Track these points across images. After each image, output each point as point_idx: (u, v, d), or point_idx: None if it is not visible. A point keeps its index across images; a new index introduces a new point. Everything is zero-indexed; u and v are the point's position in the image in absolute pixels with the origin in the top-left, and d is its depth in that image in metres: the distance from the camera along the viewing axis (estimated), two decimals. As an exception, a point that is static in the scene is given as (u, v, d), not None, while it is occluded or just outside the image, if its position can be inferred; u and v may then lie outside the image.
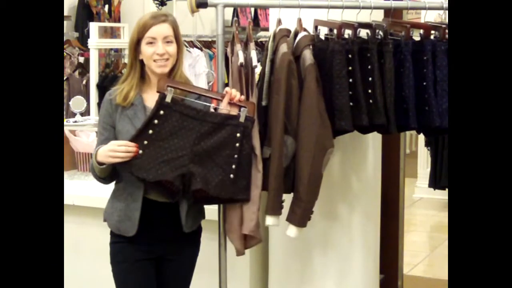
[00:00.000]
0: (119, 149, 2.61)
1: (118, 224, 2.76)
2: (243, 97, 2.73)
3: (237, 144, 2.68)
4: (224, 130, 2.68)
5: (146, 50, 2.70)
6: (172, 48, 2.72)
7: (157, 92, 2.66)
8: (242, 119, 2.69)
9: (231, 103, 2.71)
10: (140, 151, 2.61)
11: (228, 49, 3.00)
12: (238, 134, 2.68)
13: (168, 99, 2.63)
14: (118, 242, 2.79)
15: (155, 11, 2.67)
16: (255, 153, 2.75)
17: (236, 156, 2.68)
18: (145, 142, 2.62)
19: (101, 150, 2.66)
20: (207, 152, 2.66)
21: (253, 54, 2.80)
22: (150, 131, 2.62)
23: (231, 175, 2.68)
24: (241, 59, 2.79)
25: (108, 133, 2.76)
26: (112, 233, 2.82)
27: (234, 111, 2.71)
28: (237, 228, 2.79)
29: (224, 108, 2.71)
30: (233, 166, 2.68)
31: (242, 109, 2.71)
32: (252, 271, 3.51)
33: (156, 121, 2.62)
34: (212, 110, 2.74)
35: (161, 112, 2.63)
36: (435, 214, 7.01)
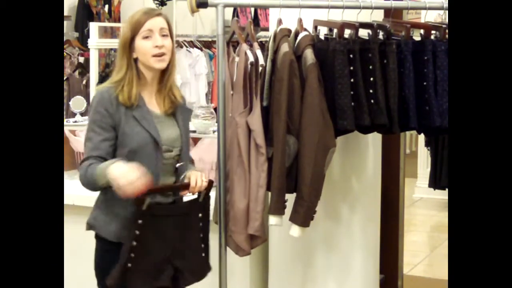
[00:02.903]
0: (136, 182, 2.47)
1: (120, 231, 2.64)
2: (204, 184, 2.65)
3: (200, 224, 2.71)
4: (191, 216, 2.69)
5: (142, 45, 2.60)
6: (169, 42, 2.63)
7: (135, 204, 2.55)
8: (201, 199, 2.69)
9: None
10: (129, 264, 2.57)
11: (223, 51, 2.95)
12: (200, 215, 2.70)
13: (144, 206, 2.56)
14: (113, 249, 2.65)
15: (145, 7, 2.65)
16: (261, 152, 2.75)
17: (201, 235, 2.71)
18: (132, 254, 2.57)
19: (119, 173, 2.47)
20: (183, 244, 2.67)
21: (259, 54, 2.79)
22: (134, 243, 2.57)
23: (203, 254, 2.72)
24: (251, 58, 2.77)
25: (108, 133, 2.59)
26: (104, 242, 2.70)
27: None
28: (245, 229, 2.80)
29: (186, 193, 2.69)
30: (202, 245, 2.72)
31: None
32: (252, 271, 3.51)
33: (137, 232, 2.57)
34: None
35: (140, 221, 2.57)
36: (435, 214, 7.00)
